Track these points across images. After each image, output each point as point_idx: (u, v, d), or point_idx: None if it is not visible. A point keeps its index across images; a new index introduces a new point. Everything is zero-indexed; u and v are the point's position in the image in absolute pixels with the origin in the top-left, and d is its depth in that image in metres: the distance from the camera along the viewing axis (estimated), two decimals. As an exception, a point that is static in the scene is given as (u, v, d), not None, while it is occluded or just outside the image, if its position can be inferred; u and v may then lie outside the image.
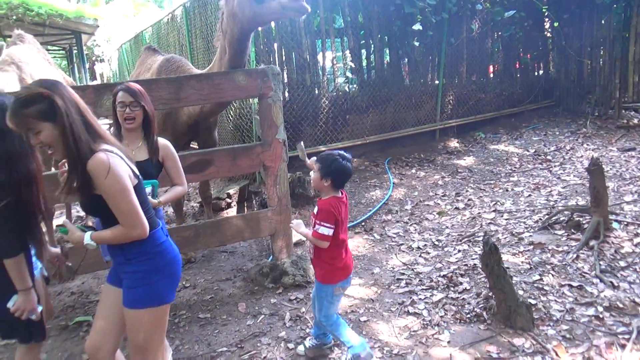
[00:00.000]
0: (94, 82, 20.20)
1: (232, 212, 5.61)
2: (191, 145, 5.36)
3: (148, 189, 2.40)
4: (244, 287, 3.81)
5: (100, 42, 20.15)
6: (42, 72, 4.15)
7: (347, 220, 2.63)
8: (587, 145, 7.05)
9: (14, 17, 10.91)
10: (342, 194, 2.58)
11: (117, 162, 1.81)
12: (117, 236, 1.89)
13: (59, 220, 5.59)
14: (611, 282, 3.25)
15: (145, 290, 1.96)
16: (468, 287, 3.45)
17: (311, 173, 2.61)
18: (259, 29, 5.84)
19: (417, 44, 6.92)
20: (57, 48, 18.60)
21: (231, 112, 6.46)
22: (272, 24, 6.00)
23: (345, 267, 2.61)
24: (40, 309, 2.09)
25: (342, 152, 2.56)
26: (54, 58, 22.25)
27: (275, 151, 3.73)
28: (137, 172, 2.00)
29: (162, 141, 2.69)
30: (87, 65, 16.91)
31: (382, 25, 6.79)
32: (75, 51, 16.62)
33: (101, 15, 16.76)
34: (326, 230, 2.46)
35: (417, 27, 6.51)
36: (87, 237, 1.89)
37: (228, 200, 5.72)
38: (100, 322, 2.16)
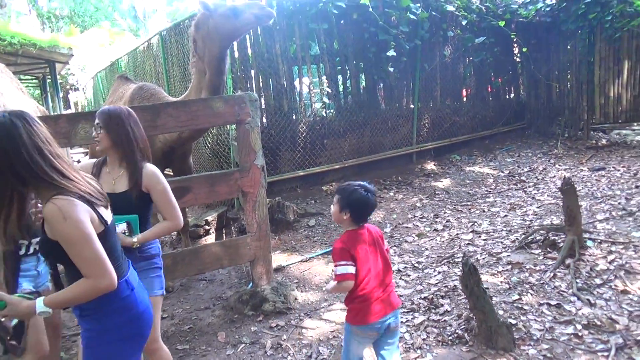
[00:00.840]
0: (68, 111, 19.97)
1: (210, 239, 5.54)
2: (166, 172, 5.31)
3: (122, 226, 2.26)
4: (224, 316, 3.73)
5: (75, 71, 20.02)
6: (15, 102, 4.08)
7: (376, 255, 2.32)
8: (559, 165, 7.24)
9: (-14, 47, 10.78)
10: (364, 227, 2.35)
11: (73, 207, 1.58)
12: (81, 292, 1.62)
13: None
14: (588, 299, 3.30)
15: (98, 352, 1.74)
16: (449, 309, 3.45)
17: (331, 206, 2.41)
18: (236, 55, 5.92)
19: (391, 69, 7.07)
20: (30, 77, 18.38)
21: (209, 139, 6.45)
22: (249, 51, 6.09)
23: (367, 310, 2.25)
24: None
25: (364, 183, 2.36)
26: (27, 87, 21.96)
27: (253, 177, 3.72)
28: (105, 218, 1.73)
29: (149, 169, 2.39)
30: (61, 94, 16.72)
31: (358, 52, 6.93)
32: (49, 80, 16.43)
33: (76, 44, 16.69)
34: (343, 269, 2.22)
35: (391, 53, 6.67)
36: (40, 305, 1.64)
37: (206, 227, 5.64)
38: None
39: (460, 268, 3.06)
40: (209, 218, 5.69)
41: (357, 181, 2.38)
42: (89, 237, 1.59)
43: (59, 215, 1.55)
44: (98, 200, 1.70)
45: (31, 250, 2.45)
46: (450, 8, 7.38)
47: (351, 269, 2.23)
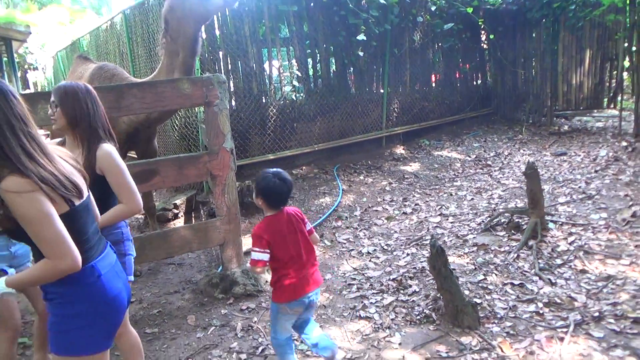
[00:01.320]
0: (27, 91, 19.14)
1: (179, 222, 5.46)
2: (129, 155, 5.18)
3: None
4: (193, 299, 3.70)
5: (34, 50, 19.17)
6: None
7: (296, 237, 2.43)
8: (524, 150, 7.44)
9: (-64, 22, 10.17)
10: (282, 212, 2.46)
11: (30, 186, 1.50)
12: (41, 273, 1.57)
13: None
14: (549, 279, 3.43)
15: (61, 337, 1.69)
16: (417, 290, 3.53)
17: None
18: (204, 37, 5.77)
19: (361, 53, 7.06)
20: (-16, 55, 17.49)
21: (176, 121, 6.31)
22: (217, 32, 5.95)
23: (290, 288, 2.39)
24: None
25: (279, 170, 2.48)
26: (-19, 66, 20.91)
27: (223, 160, 3.67)
28: (72, 199, 1.65)
29: (103, 149, 2.23)
30: (19, 74, 15.99)
31: (328, 35, 6.88)
32: (5, 59, 15.68)
33: (34, 22, 15.93)
34: (257, 255, 2.34)
35: (362, 37, 6.65)
36: (1, 284, 1.64)
37: (175, 210, 5.56)
38: None
39: (429, 250, 3.13)
40: (178, 202, 5.61)
41: (275, 169, 2.48)
42: (46, 216, 1.51)
43: (15, 193, 1.48)
44: (63, 188, 1.59)
45: None
46: (420, -7, 7.41)
47: (264, 256, 2.35)
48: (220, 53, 6.02)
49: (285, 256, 2.39)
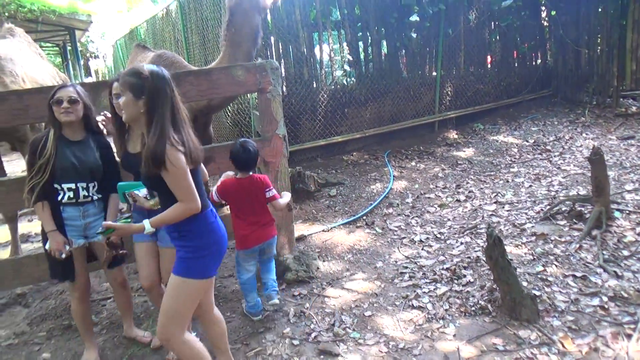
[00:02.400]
0: (89, 79, 20.07)
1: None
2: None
3: (144, 191, 2.39)
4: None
5: (94, 38, 20.02)
6: (30, 67, 4.09)
7: (251, 205, 3.09)
8: (586, 134, 7.04)
9: (6, 14, 10.79)
10: (248, 177, 3.09)
11: (174, 151, 2.03)
12: (176, 213, 2.09)
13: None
14: (615, 271, 3.25)
15: (194, 263, 2.17)
16: (472, 280, 3.45)
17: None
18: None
19: (414, 35, 6.88)
20: (50, 45, 18.45)
21: (229, 108, 6.42)
22: (269, 17, 5.97)
23: (243, 238, 3.09)
24: (67, 248, 2.62)
25: (246, 140, 3.08)
26: (48, 55, 22.09)
27: (275, 146, 3.70)
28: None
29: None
30: (81, 62, 16.79)
31: (379, 17, 6.74)
32: (69, 48, 16.47)
33: (94, 11, 16.62)
34: (214, 195, 3.09)
35: (414, 18, 6.47)
36: (147, 225, 2.13)
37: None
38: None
39: (483, 239, 3.04)
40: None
41: (244, 139, 3.11)
42: (184, 171, 2.05)
43: (170, 157, 1.99)
44: (195, 153, 2.14)
45: (80, 197, 2.68)
46: (476, -30, 7.09)
47: (215, 198, 3.09)
48: (272, 38, 6.04)
49: (240, 212, 3.08)
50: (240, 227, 3.11)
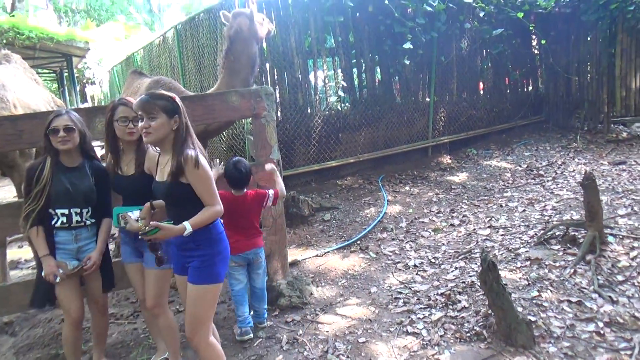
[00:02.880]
0: (85, 105, 20.16)
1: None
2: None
3: (136, 213, 2.47)
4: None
5: (91, 65, 20.19)
6: (23, 93, 4.11)
7: (241, 219, 3.24)
8: (579, 159, 7.11)
9: (4, 41, 10.89)
10: (244, 195, 3.22)
11: (202, 157, 2.33)
12: (209, 215, 2.33)
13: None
14: (610, 296, 3.24)
15: (210, 270, 2.38)
16: (467, 305, 3.41)
17: None
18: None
19: (407, 62, 6.99)
20: (47, 71, 18.58)
21: (224, 133, 6.45)
22: (264, 45, 6.06)
23: (232, 245, 2.95)
24: (61, 272, 2.61)
25: (239, 160, 3.21)
26: (45, 81, 22.22)
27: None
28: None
29: (152, 152, 2.69)
30: (77, 88, 16.89)
31: (373, 45, 6.86)
32: (66, 74, 16.59)
33: (92, 38, 16.79)
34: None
35: (408, 45, 6.58)
36: (188, 227, 2.28)
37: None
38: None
39: (478, 264, 3.03)
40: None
41: (237, 158, 3.23)
42: (211, 174, 2.36)
43: (201, 163, 2.28)
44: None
45: (73, 222, 2.68)
46: (467, 0, 7.25)
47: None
48: (267, 65, 6.12)
49: (231, 224, 3.17)
50: (229, 236, 3.08)
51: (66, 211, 2.66)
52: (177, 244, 2.44)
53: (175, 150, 2.33)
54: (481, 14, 7.51)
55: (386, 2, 6.36)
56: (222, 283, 2.47)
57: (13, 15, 16.07)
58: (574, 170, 6.55)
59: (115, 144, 2.81)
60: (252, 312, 3.44)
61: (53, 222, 2.66)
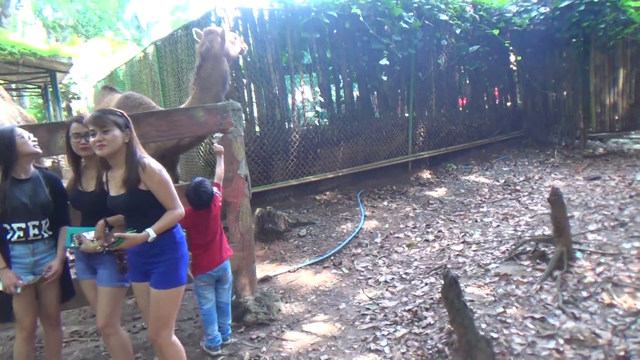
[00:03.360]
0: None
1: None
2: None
3: (92, 234, 2.56)
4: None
5: (77, 80, 20.16)
6: None
7: (211, 231, 3.24)
8: (555, 174, 7.18)
9: (-15, 56, 10.84)
10: (203, 210, 3.18)
11: (157, 162, 2.47)
12: (171, 219, 2.45)
13: None
14: (573, 313, 3.24)
15: (175, 274, 2.50)
16: (432, 322, 3.40)
17: None
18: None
19: (385, 78, 7.06)
20: (33, 86, 18.50)
21: (201, 148, 6.44)
22: (241, 61, 6.09)
23: (200, 263, 3.21)
24: (21, 284, 2.59)
25: (200, 182, 3.17)
26: (29, 96, 22.13)
27: (237, 187, 3.69)
28: None
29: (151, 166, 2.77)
30: (62, 103, 16.82)
31: (351, 61, 6.93)
32: (50, 89, 16.53)
33: (78, 53, 16.76)
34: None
35: (384, 62, 6.66)
36: (152, 233, 2.37)
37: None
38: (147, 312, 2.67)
39: (444, 279, 3.02)
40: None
41: (198, 179, 3.20)
42: (169, 178, 2.48)
43: (156, 169, 2.43)
44: None
45: (30, 236, 2.66)
46: (443, 17, 7.37)
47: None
48: (244, 80, 6.15)
49: (200, 240, 3.18)
50: (197, 255, 3.22)
51: (23, 225, 2.63)
52: (139, 251, 2.49)
53: (128, 160, 2.44)
54: (457, 31, 7.63)
55: (361, 19, 6.44)
56: (184, 285, 2.59)
57: (-2, 31, 16.02)
58: (549, 185, 6.60)
59: (75, 160, 2.80)
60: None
61: (8, 237, 2.62)
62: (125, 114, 2.53)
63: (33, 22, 30.40)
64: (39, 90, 19.11)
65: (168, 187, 2.46)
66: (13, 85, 19.04)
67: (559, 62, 8.44)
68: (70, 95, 19.76)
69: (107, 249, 2.46)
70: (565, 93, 8.48)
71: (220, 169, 3.45)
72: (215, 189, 3.28)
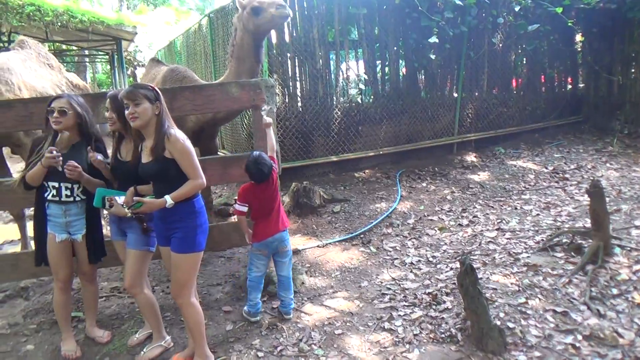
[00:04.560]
0: (134, 86, 20.93)
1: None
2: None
3: (123, 198, 2.68)
4: (232, 293, 3.89)
5: (142, 48, 20.98)
6: (30, 76, 4.38)
7: (269, 203, 3.34)
8: (611, 164, 6.78)
9: (59, 24, 11.50)
10: (263, 183, 3.27)
11: (183, 134, 2.64)
12: (190, 187, 2.59)
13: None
14: (598, 310, 3.13)
15: (192, 240, 2.66)
16: (450, 307, 3.40)
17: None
18: (274, 41, 5.99)
19: (433, 56, 6.86)
20: (102, 53, 19.47)
21: (245, 120, 6.60)
22: (287, 36, 6.12)
23: (259, 233, 3.35)
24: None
25: (260, 155, 3.25)
26: (99, 62, 23.31)
27: (266, 161, 3.79)
28: None
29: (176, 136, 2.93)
30: (127, 70, 17.61)
31: (398, 38, 6.79)
32: (116, 56, 17.33)
33: (144, 22, 17.37)
34: (238, 207, 3.33)
35: (434, 39, 6.47)
36: (169, 200, 2.54)
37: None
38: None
39: (476, 265, 2.98)
40: (239, 198, 5.86)
41: (257, 153, 3.26)
42: (192, 149, 2.62)
43: (180, 138, 2.57)
44: None
45: (62, 197, 2.87)
46: (501, -7, 7.01)
47: (244, 209, 3.33)
48: (288, 55, 6.19)
49: (258, 212, 3.33)
50: (256, 225, 3.39)
51: (56, 184, 2.85)
52: (161, 216, 2.68)
53: (157, 130, 2.61)
54: (516, 8, 7.25)
55: (412, -5, 6.27)
56: (202, 251, 2.75)
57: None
58: (602, 175, 6.27)
59: (114, 132, 2.98)
60: (279, 302, 3.54)
61: (45, 195, 2.88)
62: (155, 88, 2.68)
63: (106, -11, 31.77)
64: (107, 57, 20.12)
65: (190, 156, 2.59)
66: (86, 52, 20.19)
67: (629, 43, 7.82)
68: (135, 63, 20.63)
69: (128, 210, 2.64)
70: (633, 77, 7.88)
71: (271, 141, 3.52)
72: (274, 165, 3.38)
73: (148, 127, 2.63)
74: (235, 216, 3.50)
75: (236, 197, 3.39)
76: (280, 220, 3.40)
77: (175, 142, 2.56)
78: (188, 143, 2.61)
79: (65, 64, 21.60)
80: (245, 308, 3.45)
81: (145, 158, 2.67)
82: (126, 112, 2.60)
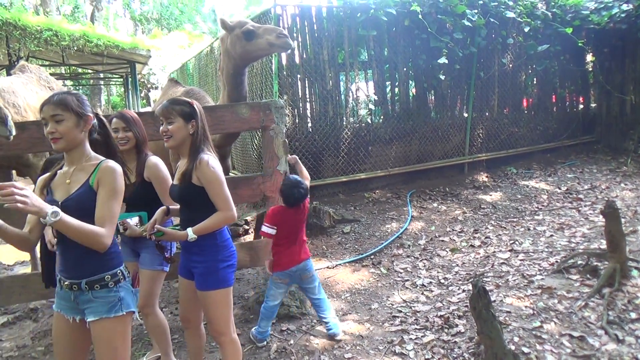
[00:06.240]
0: (147, 109, 21.31)
1: (249, 238, 5.70)
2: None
3: (135, 219, 2.60)
4: (240, 315, 3.84)
5: (156, 71, 21.35)
6: (32, 98, 4.47)
7: (295, 230, 3.30)
8: (625, 184, 6.68)
9: (75, 48, 11.79)
10: (294, 207, 3.23)
11: (215, 160, 2.41)
12: (216, 220, 2.37)
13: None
14: (616, 334, 3.04)
15: (215, 277, 2.44)
16: (463, 330, 3.33)
17: None
18: (284, 62, 6.05)
19: (442, 77, 6.88)
20: (116, 76, 19.88)
21: (255, 141, 6.64)
22: (297, 58, 6.19)
23: (282, 262, 3.28)
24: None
25: (299, 181, 3.21)
26: (114, 85, 23.75)
27: (276, 182, 3.78)
28: None
29: (152, 160, 2.88)
30: (141, 93, 17.93)
31: (408, 59, 6.83)
32: (130, 79, 17.67)
33: (159, 46, 17.72)
34: (266, 229, 3.22)
35: (443, 60, 6.49)
36: (190, 233, 2.35)
37: (246, 227, 5.82)
38: (182, 304, 2.73)
39: (488, 288, 2.92)
40: (249, 218, 5.86)
41: (295, 178, 3.24)
42: (223, 179, 2.40)
43: (211, 165, 2.34)
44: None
45: None
46: (511, 14, 7.03)
47: (272, 231, 3.21)
48: (298, 76, 6.25)
49: (284, 239, 3.25)
50: (279, 253, 3.30)
51: None
52: (183, 246, 2.55)
53: (191, 152, 2.42)
54: (526, 29, 7.25)
55: (420, 17, 6.31)
56: (231, 287, 2.52)
57: (92, 24, 17.34)
58: (617, 196, 6.17)
59: (121, 152, 3.01)
60: (321, 325, 3.50)
61: None
62: (194, 104, 2.48)
63: (123, 15, 32.65)
64: (121, 80, 20.53)
65: (220, 185, 2.36)
66: (101, 75, 20.62)
67: (641, 62, 7.79)
68: (148, 85, 20.99)
69: (149, 236, 2.47)
70: (645, 96, 7.83)
71: (304, 173, 3.45)
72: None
73: (183, 147, 2.45)
74: (244, 237, 3.46)
75: (264, 219, 3.32)
76: (303, 249, 3.36)
77: (205, 169, 2.33)
78: (219, 171, 2.38)
79: (80, 87, 22.08)
80: (254, 331, 3.41)
81: (176, 179, 2.52)
82: (161, 128, 2.46)
